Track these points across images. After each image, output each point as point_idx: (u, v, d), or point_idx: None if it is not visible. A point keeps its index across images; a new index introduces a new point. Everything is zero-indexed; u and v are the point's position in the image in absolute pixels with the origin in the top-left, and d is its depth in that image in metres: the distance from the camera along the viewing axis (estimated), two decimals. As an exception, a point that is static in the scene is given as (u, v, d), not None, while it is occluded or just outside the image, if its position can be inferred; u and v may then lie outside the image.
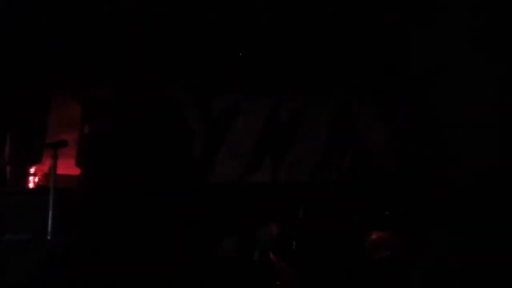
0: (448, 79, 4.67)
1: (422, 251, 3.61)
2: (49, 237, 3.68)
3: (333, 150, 5.65)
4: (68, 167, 4.68)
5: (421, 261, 3.55)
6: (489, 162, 3.99)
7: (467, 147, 4.21)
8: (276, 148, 5.59)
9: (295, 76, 5.42)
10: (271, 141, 5.60)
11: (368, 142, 5.60)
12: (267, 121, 5.60)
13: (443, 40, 4.68)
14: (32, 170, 4.66)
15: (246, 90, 5.51)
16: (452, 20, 4.65)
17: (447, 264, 3.38)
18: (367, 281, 3.89)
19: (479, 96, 4.31)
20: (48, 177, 4.48)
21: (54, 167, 3.79)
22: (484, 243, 3.44)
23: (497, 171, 3.87)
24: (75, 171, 4.84)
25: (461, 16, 4.55)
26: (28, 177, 4.64)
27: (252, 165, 5.54)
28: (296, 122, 5.65)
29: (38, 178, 4.67)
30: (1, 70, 4.53)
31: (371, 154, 5.56)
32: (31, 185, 4.63)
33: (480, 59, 4.30)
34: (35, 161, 4.68)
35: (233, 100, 5.55)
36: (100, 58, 4.94)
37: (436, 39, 4.75)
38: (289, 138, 5.62)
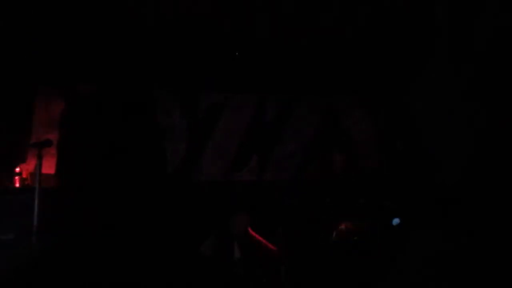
0: (422, 84, 4.75)
1: (409, 250, 3.66)
2: (34, 237, 3.68)
3: (319, 149, 5.69)
4: (52, 167, 4.66)
5: (408, 260, 3.60)
6: (465, 164, 4.07)
7: (444, 147, 4.27)
8: (262, 147, 5.61)
9: (281, 74, 5.44)
10: (257, 139, 5.61)
11: (353, 141, 5.65)
12: (253, 119, 5.61)
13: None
14: (17, 169, 4.63)
15: (232, 88, 5.51)
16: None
17: (434, 264, 3.42)
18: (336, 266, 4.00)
19: (451, 99, 4.40)
20: (33, 177, 4.46)
21: (39, 166, 3.78)
22: (470, 243, 3.49)
23: (473, 171, 3.94)
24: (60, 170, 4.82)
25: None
26: (13, 177, 4.61)
27: (238, 164, 5.54)
28: (282, 120, 5.67)
29: (23, 178, 4.64)
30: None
31: (356, 153, 5.62)
32: (16, 184, 4.60)
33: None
34: (20, 160, 4.65)
35: (218, 98, 5.54)
36: (84, 56, 4.91)
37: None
38: (275, 137, 5.64)
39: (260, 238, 4.64)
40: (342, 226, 4.60)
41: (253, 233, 4.62)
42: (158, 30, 4.95)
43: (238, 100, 5.56)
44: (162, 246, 4.19)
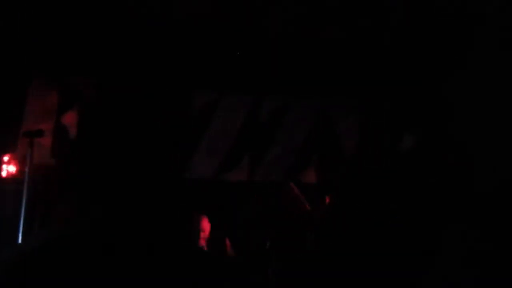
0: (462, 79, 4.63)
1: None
2: (21, 228, 3.61)
3: (311, 152, 5.69)
4: (42, 157, 4.58)
5: (445, 260, 3.58)
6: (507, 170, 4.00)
7: (486, 153, 4.19)
8: (254, 147, 5.59)
9: (276, 76, 5.42)
10: (249, 140, 5.59)
11: (347, 145, 5.65)
12: (246, 119, 5.59)
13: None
14: (5, 158, 4.55)
15: (227, 87, 5.49)
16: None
17: (472, 264, 3.41)
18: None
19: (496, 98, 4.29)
20: (22, 166, 4.38)
21: (30, 156, 3.71)
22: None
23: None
24: (50, 161, 4.75)
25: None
26: (1, 165, 4.53)
27: (229, 163, 5.53)
28: (274, 122, 5.66)
29: (12, 167, 4.56)
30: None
31: (350, 156, 5.62)
32: (3, 173, 4.52)
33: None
34: (9, 149, 4.57)
35: (212, 97, 5.52)
36: (78, 47, 4.85)
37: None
38: (268, 138, 5.63)
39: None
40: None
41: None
42: (154, 27, 4.91)
43: (232, 100, 5.54)
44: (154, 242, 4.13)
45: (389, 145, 4.70)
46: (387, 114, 5.31)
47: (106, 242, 1.17)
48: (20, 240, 3.52)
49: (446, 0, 4.60)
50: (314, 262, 4.75)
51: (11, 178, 4.47)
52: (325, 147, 5.69)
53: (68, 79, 4.92)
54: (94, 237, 1.18)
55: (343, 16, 4.78)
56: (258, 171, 5.55)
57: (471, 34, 4.58)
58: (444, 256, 3.39)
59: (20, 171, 4.49)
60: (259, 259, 4.76)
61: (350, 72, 5.30)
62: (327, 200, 4.76)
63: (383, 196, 4.37)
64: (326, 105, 5.71)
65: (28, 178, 3.72)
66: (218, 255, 4.60)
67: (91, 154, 1.37)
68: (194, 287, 1.19)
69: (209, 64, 5.25)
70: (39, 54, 4.71)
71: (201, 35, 5.07)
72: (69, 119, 4.81)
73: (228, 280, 1.30)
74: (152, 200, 1.39)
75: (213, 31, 5.05)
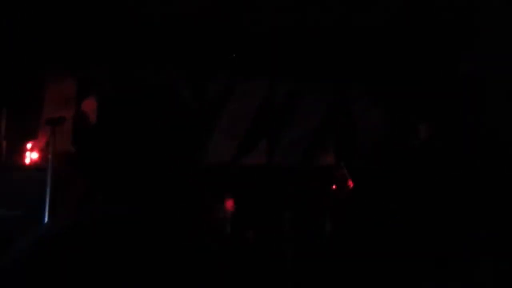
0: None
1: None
2: (46, 216, 3.70)
3: (327, 134, 5.69)
4: (63, 144, 4.67)
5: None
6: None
7: None
8: (271, 130, 5.62)
9: (291, 59, 5.41)
10: (266, 123, 5.61)
11: (362, 129, 5.64)
12: (262, 103, 5.61)
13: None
14: (28, 146, 4.64)
15: (242, 71, 5.50)
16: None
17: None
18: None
19: None
20: (44, 153, 4.47)
21: (52, 144, 3.78)
22: None
23: None
24: (71, 148, 4.83)
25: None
26: (24, 153, 4.62)
27: (247, 147, 5.56)
28: (291, 105, 5.67)
29: (35, 155, 4.65)
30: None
31: (365, 140, 5.61)
32: (27, 161, 4.62)
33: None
34: (31, 137, 4.66)
35: (228, 81, 5.54)
36: (95, 36, 4.89)
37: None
38: (284, 121, 5.64)
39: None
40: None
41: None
42: (169, 14, 4.93)
43: (248, 83, 5.55)
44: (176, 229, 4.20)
45: (408, 130, 4.70)
46: (404, 98, 5.29)
47: (123, 230, 1.21)
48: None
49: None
50: (332, 245, 4.80)
51: (34, 165, 4.57)
52: (341, 129, 5.69)
53: (85, 66, 4.98)
54: (111, 225, 1.22)
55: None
56: (275, 154, 5.58)
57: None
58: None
59: (42, 158, 4.58)
60: (277, 242, 4.82)
61: (364, 56, 5.27)
62: (350, 184, 4.78)
63: (403, 181, 4.38)
64: (342, 86, 5.70)
65: (51, 165, 3.79)
66: (239, 238, 4.67)
67: (110, 141, 1.39)
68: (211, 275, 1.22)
69: (224, 49, 5.26)
70: (56, 42, 4.76)
71: (214, 21, 5.07)
72: (89, 106, 4.87)
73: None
74: (171, 186, 1.42)
75: (226, 16, 5.05)
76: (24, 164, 4.58)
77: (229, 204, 4.79)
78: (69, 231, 1.17)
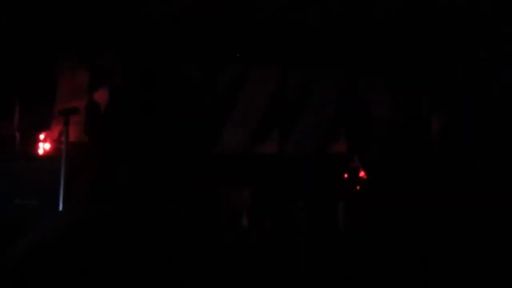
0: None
1: None
2: (60, 206, 3.72)
3: (340, 124, 5.66)
4: (77, 135, 4.69)
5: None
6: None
7: None
8: (284, 120, 5.59)
9: (305, 49, 5.37)
10: (278, 112, 5.59)
11: (375, 118, 5.60)
12: (275, 92, 5.58)
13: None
14: (41, 136, 4.66)
15: (255, 60, 5.47)
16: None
17: None
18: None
19: None
20: (58, 144, 4.49)
21: (66, 134, 3.79)
22: None
23: None
24: (84, 138, 4.85)
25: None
26: (37, 143, 4.64)
27: (259, 137, 5.54)
28: (303, 94, 5.64)
29: (48, 145, 4.68)
30: (9, 36, 4.49)
31: (377, 129, 5.57)
32: (40, 151, 4.64)
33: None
34: (44, 128, 4.68)
35: (241, 70, 5.51)
36: (108, 26, 4.89)
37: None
38: (297, 111, 5.61)
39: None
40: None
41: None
42: (181, 4, 4.90)
43: (261, 72, 5.53)
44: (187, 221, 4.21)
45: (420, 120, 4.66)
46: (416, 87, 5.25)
47: (133, 221, 1.19)
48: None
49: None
50: (343, 233, 4.78)
51: (47, 155, 4.59)
52: (354, 118, 5.65)
53: (97, 56, 4.98)
54: (120, 216, 1.21)
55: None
56: (288, 144, 5.56)
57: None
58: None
59: (55, 148, 4.60)
60: (290, 231, 4.81)
61: (375, 46, 5.22)
62: (362, 174, 4.75)
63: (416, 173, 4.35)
64: (354, 76, 5.65)
65: (65, 155, 3.80)
66: (254, 227, 4.67)
67: (122, 131, 1.38)
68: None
69: (236, 38, 5.23)
70: (67, 32, 4.77)
71: (229, 7, 5.04)
72: (101, 96, 4.88)
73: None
74: (183, 176, 1.40)
75: (242, 4, 5.02)
76: (37, 154, 4.61)
77: (246, 194, 4.79)
78: (70, 230, 1.16)
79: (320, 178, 5.25)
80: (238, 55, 5.36)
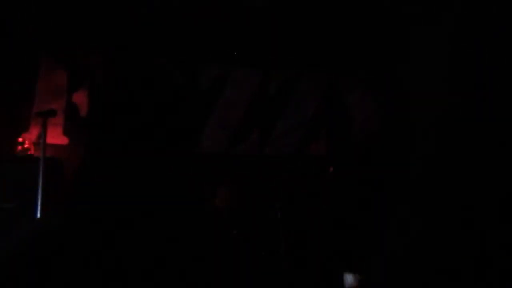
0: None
1: None
2: (38, 208, 3.70)
3: (320, 125, 5.71)
4: (55, 136, 4.66)
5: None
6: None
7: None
8: (264, 121, 5.63)
9: (285, 49, 5.42)
10: (259, 113, 5.62)
11: (355, 118, 5.67)
12: (255, 93, 5.61)
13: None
14: (19, 139, 4.63)
15: (236, 61, 5.49)
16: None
17: None
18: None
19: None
20: (36, 146, 4.47)
21: (43, 136, 3.78)
22: None
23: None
24: (63, 140, 4.83)
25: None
26: (16, 146, 4.61)
27: (239, 137, 5.57)
28: (284, 95, 5.68)
29: (26, 147, 4.65)
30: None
31: (357, 129, 5.65)
32: (18, 153, 4.60)
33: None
34: (22, 130, 4.65)
35: (221, 71, 5.53)
36: (88, 26, 4.87)
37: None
38: (277, 112, 5.65)
39: None
40: None
41: None
42: (162, 2, 4.90)
43: (241, 73, 5.55)
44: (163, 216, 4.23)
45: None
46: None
47: (119, 217, 1.23)
48: (38, 216, 3.62)
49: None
50: (322, 233, 4.85)
51: (25, 157, 4.56)
52: (334, 120, 5.71)
53: (77, 58, 4.96)
54: (108, 214, 1.24)
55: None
56: (268, 145, 5.60)
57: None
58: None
59: (34, 150, 4.57)
60: (270, 230, 4.85)
61: (355, 45, 5.29)
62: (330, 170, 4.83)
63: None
64: (335, 78, 5.72)
65: (43, 157, 3.79)
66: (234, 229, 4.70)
67: (101, 132, 1.40)
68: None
69: (217, 38, 5.25)
70: (47, 33, 4.74)
71: (209, 8, 5.05)
72: (80, 98, 4.86)
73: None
74: (163, 175, 1.43)
75: (222, 3, 5.04)
76: (15, 156, 4.57)
77: (226, 193, 4.82)
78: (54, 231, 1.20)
79: (298, 178, 5.30)
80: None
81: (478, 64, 3.85)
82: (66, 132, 4.82)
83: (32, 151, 4.61)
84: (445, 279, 3.43)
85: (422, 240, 3.65)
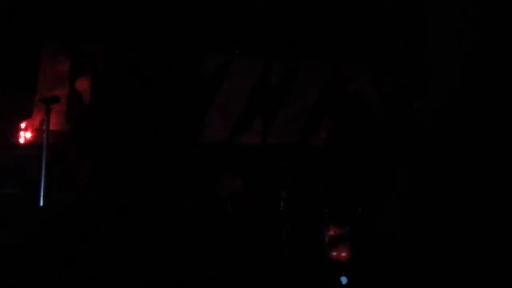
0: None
1: None
2: (41, 195, 3.72)
3: (323, 113, 5.70)
4: (58, 123, 4.66)
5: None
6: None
7: None
8: (266, 110, 5.61)
9: (286, 37, 5.40)
10: (261, 102, 5.61)
11: (358, 106, 5.66)
12: (258, 82, 5.60)
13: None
14: (22, 125, 4.63)
15: (236, 50, 5.47)
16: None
17: None
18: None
19: None
20: (39, 133, 4.47)
21: (47, 122, 3.78)
22: None
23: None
24: (66, 127, 4.82)
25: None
26: (18, 132, 4.61)
27: (241, 126, 5.56)
28: (286, 84, 5.66)
29: (29, 134, 4.65)
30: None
31: (361, 118, 5.63)
32: (21, 140, 4.61)
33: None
34: (25, 116, 4.65)
35: (223, 60, 5.51)
36: (89, 12, 4.85)
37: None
38: (279, 100, 5.64)
39: None
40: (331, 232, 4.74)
41: None
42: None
43: (243, 62, 5.53)
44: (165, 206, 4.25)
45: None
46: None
47: (120, 207, 1.22)
48: (41, 203, 3.64)
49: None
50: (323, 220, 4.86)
51: (28, 144, 4.57)
52: (336, 108, 5.70)
53: (80, 45, 4.95)
54: (109, 204, 1.24)
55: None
56: (270, 134, 5.59)
57: None
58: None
59: (36, 137, 4.57)
60: (273, 219, 4.87)
61: (357, 33, 5.27)
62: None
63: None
64: (337, 66, 5.69)
65: (46, 144, 3.80)
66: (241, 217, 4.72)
67: (104, 119, 1.40)
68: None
69: (219, 27, 5.23)
70: (50, 20, 4.73)
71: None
72: (83, 85, 4.86)
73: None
74: (166, 164, 1.43)
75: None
76: (18, 143, 4.58)
77: (234, 182, 4.83)
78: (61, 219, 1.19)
79: (302, 168, 5.30)
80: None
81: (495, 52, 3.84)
82: (69, 119, 4.83)
83: (34, 138, 4.61)
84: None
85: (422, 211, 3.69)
